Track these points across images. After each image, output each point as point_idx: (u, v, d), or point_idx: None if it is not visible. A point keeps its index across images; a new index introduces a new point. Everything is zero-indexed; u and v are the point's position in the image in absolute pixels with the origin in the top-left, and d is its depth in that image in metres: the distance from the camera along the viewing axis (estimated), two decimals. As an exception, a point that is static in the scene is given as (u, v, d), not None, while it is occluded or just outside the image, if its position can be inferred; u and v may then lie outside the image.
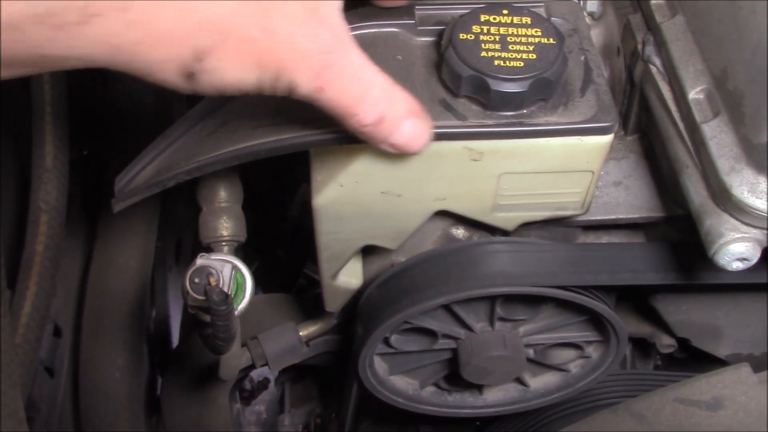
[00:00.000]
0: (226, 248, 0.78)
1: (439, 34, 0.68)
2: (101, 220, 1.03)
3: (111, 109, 1.03)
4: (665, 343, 0.96)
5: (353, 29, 0.68)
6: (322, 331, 0.95)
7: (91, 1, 0.44)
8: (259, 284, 1.32)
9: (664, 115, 0.69)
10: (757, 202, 0.59)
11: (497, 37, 0.64)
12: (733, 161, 0.60)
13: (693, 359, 0.98)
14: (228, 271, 0.68)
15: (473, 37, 0.64)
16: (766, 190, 0.59)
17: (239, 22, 0.49)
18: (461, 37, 0.64)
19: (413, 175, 0.67)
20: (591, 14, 0.83)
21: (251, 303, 0.71)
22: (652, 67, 0.70)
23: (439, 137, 0.64)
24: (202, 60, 0.49)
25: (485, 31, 0.65)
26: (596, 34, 0.82)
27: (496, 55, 0.63)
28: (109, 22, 0.45)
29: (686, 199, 0.65)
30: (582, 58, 0.68)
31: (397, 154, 0.61)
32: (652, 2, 0.71)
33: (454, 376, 0.85)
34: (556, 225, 0.76)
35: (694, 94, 0.65)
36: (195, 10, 0.47)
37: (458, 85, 0.63)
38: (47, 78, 0.88)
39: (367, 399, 0.91)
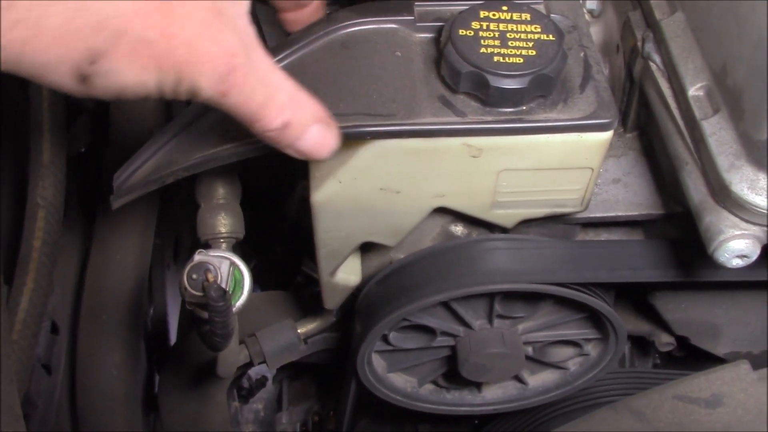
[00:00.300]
0: (224, 245, 0.78)
1: (439, 31, 0.68)
2: (99, 217, 1.03)
3: (109, 105, 1.03)
4: (664, 342, 0.96)
5: (352, 25, 0.68)
6: (320, 329, 0.95)
7: None
8: (258, 282, 1.32)
9: (663, 112, 0.68)
10: (757, 199, 0.59)
11: (497, 34, 0.64)
12: (733, 158, 0.60)
13: (692, 357, 0.98)
14: (226, 268, 0.68)
15: (472, 33, 0.64)
16: (765, 186, 0.59)
17: (135, 24, 0.47)
18: (460, 34, 0.64)
19: (412, 172, 0.67)
20: (590, 12, 0.83)
21: (249, 300, 0.71)
22: (651, 64, 0.70)
23: (438, 134, 0.64)
24: (96, 62, 0.47)
25: (484, 27, 0.64)
26: (596, 32, 0.82)
27: (495, 52, 0.63)
28: None
29: (685, 196, 0.65)
30: (581, 54, 0.68)
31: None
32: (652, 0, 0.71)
33: (453, 374, 0.85)
34: (556, 222, 0.76)
35: (694, 90, 0.65)
36: (87, 9, 0.46)
37: (457, 81, 0.63)
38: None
39: (365, 397, 0.91)
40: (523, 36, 0.64)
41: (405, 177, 0.68)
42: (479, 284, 0.73)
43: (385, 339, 0.82)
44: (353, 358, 0.82)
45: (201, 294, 0.66)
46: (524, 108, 0.64)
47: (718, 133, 0.62)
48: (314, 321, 0.94)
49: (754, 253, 0.61)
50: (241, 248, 0.93)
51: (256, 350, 0.92)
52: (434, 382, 0.91)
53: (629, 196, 0.76)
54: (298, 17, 0.71)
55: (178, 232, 1.30)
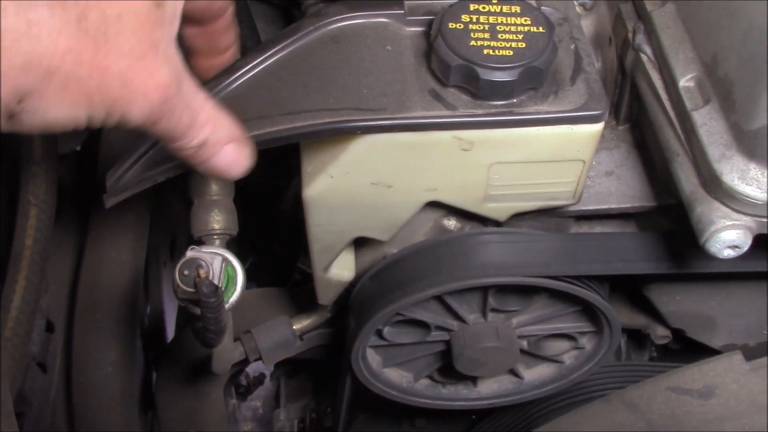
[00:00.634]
0: (217, 241, 0.78)
1: (429, 24, 0.68)
2: (93, 215, 1.03)
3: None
4: (660, 334, 0.96)
5: (342, 20, 0.68)
6: (315, 325, 0.95)
7: None
8: (254, 279, 1.32)
9: (654, 103, 0.68)
10: (748, 189, 0.59)
11: (486, 26, 0.64)
12: (724, 148, 0.60)
13: (688, 350, 0.98)
14: (218, 264, 0.68)
15: (462, 26, 0.64)
16: (756, 176, 0.59)
17: (67, 61, 0.46)
18: (450, 27, 0.63)
19: (403, 166, 0.67)
20: (582, 5, 0.83)
21: (244, 297, 0.71)
22: (642, 55, 0.70)
23: (429, 127, 0.64)
24: (23, 101, 0.46)
25: (474, 20, 0.64)
26: (587, 25, 0.82)
27: (485, 44, 0.63)
28: None
29: (677, 187, 0.64)
30: (572, 46, 0.68)
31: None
32: (643, -9, 0.71)
33: (448, 369, 0.85)
34: (549, 215, 0.76)
35: (685, 81, 0.65)
36: (16, 49, 0.44)
37: (447, 74, 0.63)
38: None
39: (361, 392, 0.91)
40: (513, 28, 0.64)
41: (397, 171, 0.68)
42: (473, 278, 0.73)
43: (379, 334, 0.82)
44: (348, 353, 0.82)
45: (193, 290, 0.66)
46: (515, 101, 0.64)
47: (708, 124, 0.61)
48: (309, 317, 0.94)
49: (746, 243, 0.61)
50: (237, 246, 0.93)
51: (252, 346, 0.92)
52: (430, 377, 0.91)
53: (622, 188, 0.76)
54: (214, 64, 0.69)
55: (175, 229, 1.30)
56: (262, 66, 0.67)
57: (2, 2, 0.44)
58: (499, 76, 0.62)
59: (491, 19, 0.64)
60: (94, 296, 0.98)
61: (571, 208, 0.74)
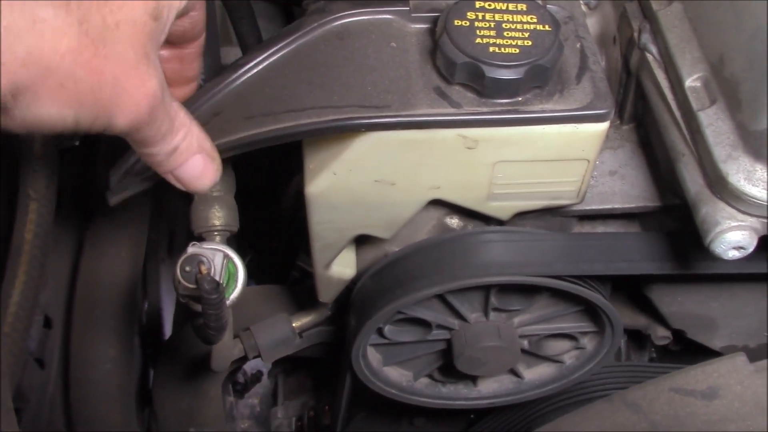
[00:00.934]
0: (218, 238, 0.77)
1: (434, 21, 0.67)
2: (92, 212, 1.02)
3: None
4: (660, 335, 0.96)
5: (347, 16, 0.68)
6: (315, 322, 0.94)
7: None
8: (254, 277, 1.32)
9: (660, 103, 0.68)
10: (754, 190, 0.58)
11: (492, 24, 0.64)
12: (730, 149, 0.60)
13: (688, 351, 0.98)
14: (219, 260, 0.68)
15: (468, 23, 0.63)
16: (762, 177, 0.59)
17: (67, 60, 0.47)
18: (456, 24, 0.63)
19: (407, 164, 0.67)
20: (587, 4, 0.83)
21: (244, 294, 0.70)
22: (648, 55, 0.70)
23: (433, 125, 0.63)
24: (18, 96, 0.46)
25: (480, 17, 0.64)
26: (593, 24, 0.82)
27: (491, 42, 0.62)
28: None
29: (682, 187, 0.64)
30: (578, 45, 0.67)
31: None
32: (649, -10, 0.71)
33: (448, 367, 0.85)
34: (552, 214, 0.76)
35: (691, 81, 0.64)
36: (19, 43, 0.45)
37: (453, 72, 0.63)
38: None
39: (360, 391, 0.90)
40: (518, 26, 0.64)
41: (400, 169, 0.67)
42: (475, 277, 0.73)
43: (380, 332, 0.81)
44: (348, 351, 0.82)
45: (194, 286, 0.65)
46: (520, 99, 0.64)
47: (714, 124, 0.61)
48: (309, 315, 0.94)
49: (751, 244, 0.60)
50: (237, 243, 0.93)
51: (251, 344, 0.91)
52: (430, 376, 0.90)
53: (626, 188, 0.76)
54: (177, 95, 0.69)
55: (174, 226, 1.29)
56: (266, 63, 0.66)
57: None
58: (504, 74, 0.62)
59: (497, 17, 0.64)
60: (92, 292, 0.98)
61: (575, 208, 0.74)
